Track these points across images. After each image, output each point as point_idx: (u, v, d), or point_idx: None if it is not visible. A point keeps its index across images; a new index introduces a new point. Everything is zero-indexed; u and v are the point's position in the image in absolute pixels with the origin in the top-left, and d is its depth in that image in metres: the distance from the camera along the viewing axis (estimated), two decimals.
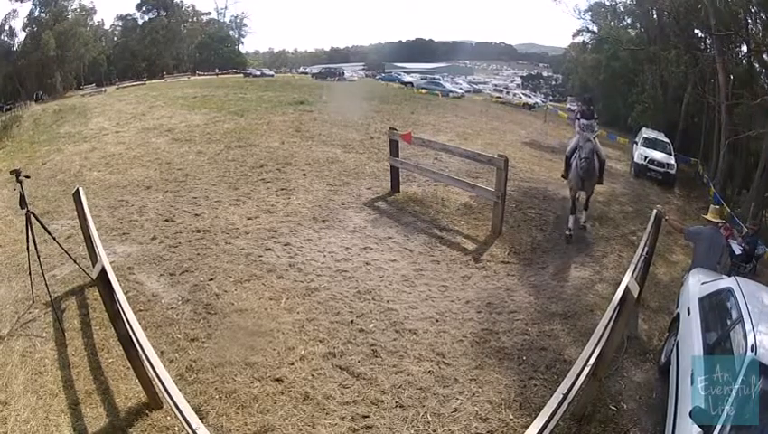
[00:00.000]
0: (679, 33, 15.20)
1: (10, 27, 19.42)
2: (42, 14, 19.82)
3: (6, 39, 19.43)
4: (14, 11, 19.42)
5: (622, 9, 19.07)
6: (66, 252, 4.60)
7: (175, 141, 10.80)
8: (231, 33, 27.16)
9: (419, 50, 28.72)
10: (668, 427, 2.96)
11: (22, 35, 19.68)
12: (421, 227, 6.38)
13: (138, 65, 23.30)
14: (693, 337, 3.35)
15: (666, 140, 13.20)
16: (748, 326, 2.88)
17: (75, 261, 4.63)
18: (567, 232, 6.43)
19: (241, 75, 25.07)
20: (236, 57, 26.66)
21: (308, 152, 9.91)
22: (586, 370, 2.97)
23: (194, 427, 2.24)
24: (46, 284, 4.19)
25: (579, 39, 21.34)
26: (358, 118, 13.87)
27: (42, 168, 9.14)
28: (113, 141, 11.05)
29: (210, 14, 26.60)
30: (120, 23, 23.62)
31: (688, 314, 3.74)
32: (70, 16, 20.61)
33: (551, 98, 23.80)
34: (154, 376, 2.80)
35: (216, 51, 26.11)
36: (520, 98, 21.83)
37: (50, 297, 4.13)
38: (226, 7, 27.38)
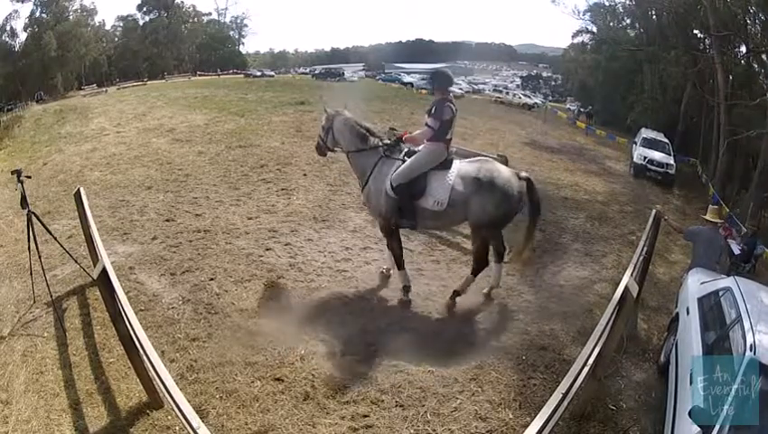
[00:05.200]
0: (679, 33, 15.20)
1: (11, 28, 19.40)
2: (44, 15, 19.81)
3: (8, 39, 19.41)
4: (16, 11, 19.41)
5: (621, 10, 19.05)
6: (67, 252, 4.62)
7: (176, 141, 10.81)
8: (232, 33, 27.15)
9: (419, 50, 28.69)
10: (667, 426, 2.97)
11: (23, 36, 19.69)
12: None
13: (139, 65, 23.28)
14: (692, 337, 3.36)
15: (665, 140, 13.23)
16: (747, 326, 2.89)
17: (76, 261, 4.65)
18: (403, 296, 4.48)
19: (242, 75, 25.08)
20: (236, 57, 26.65)
21: (308, 152, 9.89)
22: (586, 369, 2.98)
23: (195, 426, 2.25)
24: (47, 284, 4.20)
25: (578, 39, 21.28)
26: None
27: (43, 168, 9.17)
28: (114, 141, 11.06)
29: (210, 14, 26.57)
30: (121, 24, 23.58)
31: (688, 313, 3.75)
32: (71, 17, 20.59)
33: (551, 98, 23.79)
34: (155, 376, 2.81)
35: (216, 51, 26.10)
36: (520, 98, 21.82)
37: (51, 296, 4.14)
38: (226, 8, 27.28)
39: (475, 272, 4.38)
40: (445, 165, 4.23)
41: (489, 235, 4.33)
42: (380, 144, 4.38)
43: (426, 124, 4.13)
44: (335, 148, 4.70)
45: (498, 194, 4.12)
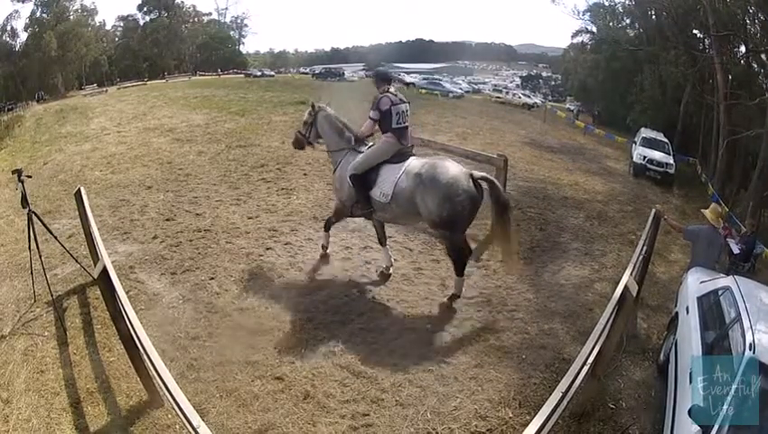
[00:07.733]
0: (678, 33, 15.20)
1: (12, 28, 19.45)
2: (44, 15, 19.84)
3: (8, 39, 19.46)
4: (16, 11, 19.44)
5: (621, 10, 19.07)
6: (68, 251, 4.63)
7: (176, 141, 10.82)
8: (232, 33, 27.16)
9: (419, 50, 28.69)
10: (666, 425, 2.97)
11: (23, 36, 19.73)
12: (421, 226, 6.36)
13: (140, 65, 23.29)
14: (692, 336, 3.36)
15: (665, 140, 13.26)
16: (747, 325, 2.89)
17: (77, 260, 4.66)
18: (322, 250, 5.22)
19: (242, 75, 25.11)
20: (237, 57, 26.66)
21: (308, 151, 9.88)
22: (586, 368, 2.98)
23: (195, 425, 2.25)
24: (48, 283, 4.20)
25: (578, 39, 21.30)
26: (358, 118, 13.88)
27: (44, 168, 9.17)
28: (114, 141, 11.07)
29: (210, 14, 26.60)
30: (121, 24, 23.61)
31: (687, 313, 3.75)
32: (71, 17, 20.62)
33: (550, 98, 23.79)
34: (155, 375, 2.81)
35: (217, 51, 26.11)
36: (520, 98, 21.83)
37: (51, 296, 4.15)
38: (227, 8, 27.30)
39: (459, 272, 4.36)
40: (401, 158, 4.33)
41: (451, 236, 4.22)
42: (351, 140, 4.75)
43: (369, 116, 4.42)
44: (317, 142, 5.04)
45: (439, 193, 3.97)
